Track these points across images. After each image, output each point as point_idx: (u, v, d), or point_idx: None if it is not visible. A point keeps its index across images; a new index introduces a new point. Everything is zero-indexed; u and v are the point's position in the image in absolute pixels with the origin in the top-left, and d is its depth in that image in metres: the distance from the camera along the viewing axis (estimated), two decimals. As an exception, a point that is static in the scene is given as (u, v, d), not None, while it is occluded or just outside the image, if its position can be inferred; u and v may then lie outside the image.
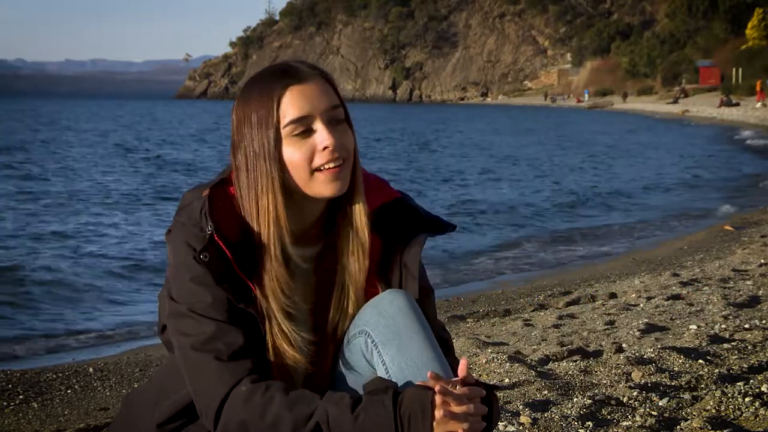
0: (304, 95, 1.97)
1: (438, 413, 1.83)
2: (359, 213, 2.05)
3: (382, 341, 1.97)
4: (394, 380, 1.93)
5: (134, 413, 2.15)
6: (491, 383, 2.01)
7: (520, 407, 3.63)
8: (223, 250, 1.95)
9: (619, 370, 4.21)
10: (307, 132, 1.97)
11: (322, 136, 1.97)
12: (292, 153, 1.97)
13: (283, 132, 1.97)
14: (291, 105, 1.97)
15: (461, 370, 1.91)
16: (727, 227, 12.34)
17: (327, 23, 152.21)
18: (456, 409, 1.84)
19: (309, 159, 1.97)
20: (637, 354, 4.49)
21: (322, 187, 1.98)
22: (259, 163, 1.97)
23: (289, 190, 1.99)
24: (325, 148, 1.96)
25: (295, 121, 1.97)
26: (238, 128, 2.01)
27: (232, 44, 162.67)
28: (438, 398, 1.83)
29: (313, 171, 1.97)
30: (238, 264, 1.96)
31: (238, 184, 2.01)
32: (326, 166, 1.97)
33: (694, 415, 3.50)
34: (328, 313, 2.07)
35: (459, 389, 1.86)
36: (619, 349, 4.80)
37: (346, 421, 1.84)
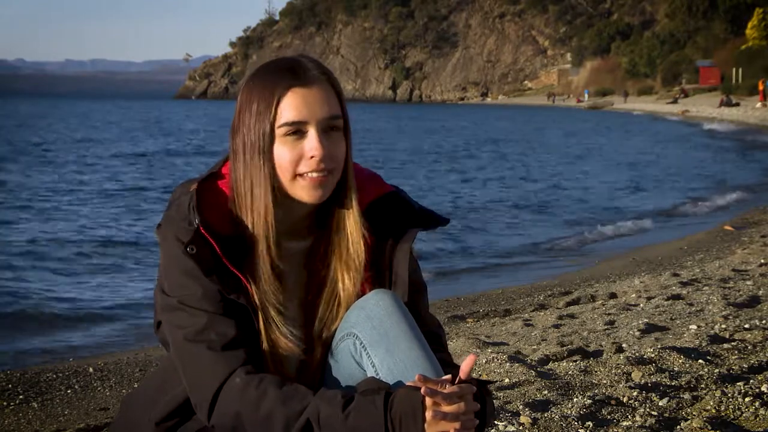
0: (305, 100, 1.98)
1: (429, 414, 1.83)
2: (352, 222, 2.05)
3: (370, 343, 1.97)
4: (384, 381, 1.94)
5: (133, 413, 2.16)
6: (483, 379, 2.01)
7: (520, 407, 3.62)
8: (211, 242, 1.96)
9: (619, 370, 4.21)
10: (300, 136, 1.98)
11: (311, 144, 1.97)
12: (282, 153, 1.98)
13: (278, 131, 1.98)
14: (289, 106, 1.98)
15: (466, 365, 1.90)
16: (727, 227, 12.33)
17: (327, 23, 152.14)
18: (447, 408, 1.84)
19: (295, 163, 1.98)
20: (637, 354, 4.49)
21: (302, 192, 1.99)
22: (254, 154, 1.99)
23: (278, 186, 2.00)
24: (312, 156, 1.97)
25: (289, 124, 1.98)
26: (239, 114, 2.02)
27: (232, 44, 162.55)
28: (428, 399, 1.83)
29: (296, 175, 1.98)
30: (227, 256, 1.97)
31: (234, 167, 2.02)
32: (309, 174, 1.98)
33: (694, 415, 3.50)
34: (317, 309, 2.08)
35: (449, 388, 1.86)
36: (619, 349, 4.80)
37: (336, 420, 1.85)
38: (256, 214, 1.99)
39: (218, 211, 2.00)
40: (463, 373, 1.90)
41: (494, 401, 2.10)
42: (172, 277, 1.99)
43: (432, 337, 2.09)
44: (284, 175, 1.99)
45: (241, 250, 2.00)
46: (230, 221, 2.00)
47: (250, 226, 2.00)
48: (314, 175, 1.98)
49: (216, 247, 1.96)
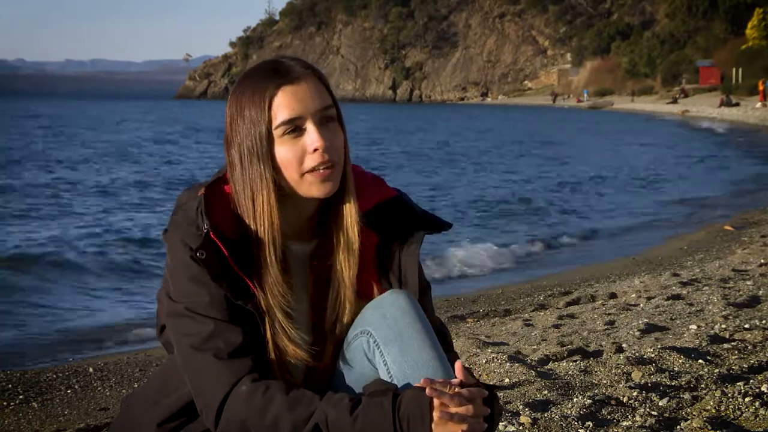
0: (296, 96, 1.98)
1: (436, 415, 1.83)
2: (349, 212, 2.05)
3: (384, 341, 1.97)
4: (395, 380, 1.94)
5: (134, 413, 2.16)
6: (491, 383, 2.02)
7: (520, 407, 3.62)
8: (220, 247, 1.96)
9: (619, 370, 4.21)
10: (299, 133, 1.98)
11: (312, 137, 1.97)
12: (284, 153, 1.98)
13: (275, 132, 1.98)
14: (283, 106, 1.97)
15: (456, 372, 1.91)
16: (727, 227, 12.34)
17: (327, 23, 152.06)
18: (454, 409, 1.84)
19: (300, 160, 1.98)
20: (637, 354, 4.49)
21: (312, 188, 1.99)
22: (253, 161, 1.98)
23: (282, 188, 2.00)
24: (315, 150, 1.97)
25: (286, 123, 1.97)
26: (231, 125, 2.02)
27: (232, 44, 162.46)
28: (436, 399, 1.83)
29: (304, 173, 1.98)
30: (236, 261, 1.97)
31: (233, 180, 2.01)
32: (316, 168, 1.97)
33: (694, 415, 3.50)
34: (325, 310, 2.08)
35: (456, 390, 1.86)
36: (619, 349, 4.80)
37: (344, 423, 1.85)
38: (260, 221, 1.99)
39: (225, 215, 2.00)
40: (458, 377, 1.90)
41: (501, 410, 2.10)
42: (179, 282, 1.98)
43: (439, 336, 2.10)
44: (291, 175, 1.98)
45: (248, 255, 1.99)
46: (237, 226, 2.00)
47: (257, 231, 1.99)
48: (321, 168, 1.97)
49: (225, 251, 1.96)
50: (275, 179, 1.99)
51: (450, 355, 2.10)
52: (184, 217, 1.99)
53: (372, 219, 2.08)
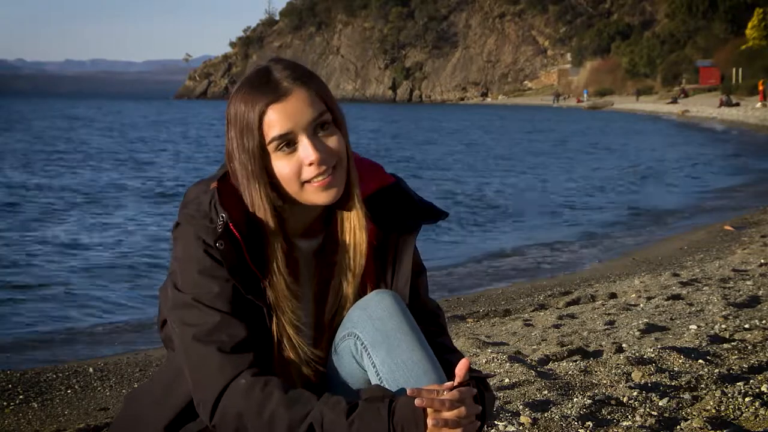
0: (286, 112, 1.98)
1: (430, 421, 1.85)
2: (355, 216, 2.07)
3: (372, 343, 1.99)
4: (385, 382, 1.96)
5: (136, 412, 2.16)
6: (480, 375, 2.02)
7: (520, 407, 3.63)
8: (237, 239, 1.97)
9: (619, 370, 4.21)
10: (293, 147, 1.99)
11: (306, 151, 1.98)
12: (281, 167, 1.99)
13: (269, 147, 1.99)
14: (273, 123, 1.98)
15: (460, 370, 1.91)
16: (727, 227, 12.33)
17: (327, 23, 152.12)
18: (447, 415, 1.86)
19: (297, 173, 1.99)
20: (637, 354, 4.49)
21: (314, 197, 2.01)
22: (250, 178, 2.00)
23: (285, 197, 2.01)
24: (310, 163, 1.98)
25: (278, 138, 1.98)
26: (228, 141, 2.04)
27: (232, 44, 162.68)
28: (428, 408, 1.85)
29: (303, 183, 1.99)
30: (250, 255, 1.98)
31: (238, 187, 2.03)
32: (315, 180, 1.98)
33: (694, 415, 3.50)
34: (326, 305, 2.10)
35: (448, 394, 1.87)
36: (619, 349, 4.81)
37: (340, 426, 1.86)
38: (267, 223, 2.01)
39: (237, 209, 2.01)
40: (458, 378, 1.91)
41: (494, 396, 2.10)
42: (188, 275, 1.99)
43: (430, 317, 2.13)
44: (292, 187, 2.00)
45: (259, 249, 2.01)
46: (247, 221, 2.01)
47: (265, 229, 2.01)
48: (319, 179, 1.98)
49: (242, 244, 1.97)
50: (275, 192, 2.00)
51: (444, 339, 2.14)
52: (197, 210, 2.00)
53: (370, 206, 2.09)
